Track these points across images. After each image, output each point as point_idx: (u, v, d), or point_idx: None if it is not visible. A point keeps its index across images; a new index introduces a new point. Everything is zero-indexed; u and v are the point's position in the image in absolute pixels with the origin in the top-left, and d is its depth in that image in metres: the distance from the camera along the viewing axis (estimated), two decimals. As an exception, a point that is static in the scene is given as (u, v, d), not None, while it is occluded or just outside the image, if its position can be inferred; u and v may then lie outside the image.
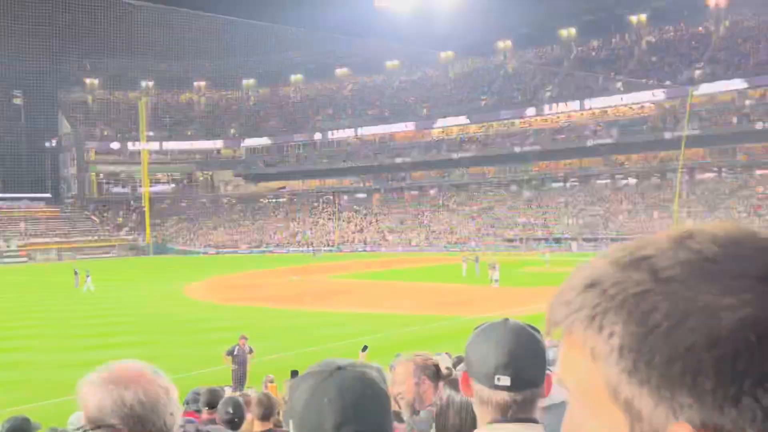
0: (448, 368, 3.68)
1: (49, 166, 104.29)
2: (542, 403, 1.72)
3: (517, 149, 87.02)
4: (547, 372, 1.72)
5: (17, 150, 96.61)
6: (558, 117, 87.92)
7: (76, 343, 23.50)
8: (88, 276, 42.50)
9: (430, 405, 3.34)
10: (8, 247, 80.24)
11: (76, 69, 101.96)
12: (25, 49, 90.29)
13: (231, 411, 6.01)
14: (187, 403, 7.81)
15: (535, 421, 1.69)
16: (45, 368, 19.62)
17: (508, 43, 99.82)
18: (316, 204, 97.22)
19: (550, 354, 1.73)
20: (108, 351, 20.78)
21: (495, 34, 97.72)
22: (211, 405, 7.03)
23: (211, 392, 7.64)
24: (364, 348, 9.86)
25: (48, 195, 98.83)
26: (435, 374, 3.46)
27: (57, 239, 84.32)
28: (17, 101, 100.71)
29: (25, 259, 78.03)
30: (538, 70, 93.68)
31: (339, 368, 1.30)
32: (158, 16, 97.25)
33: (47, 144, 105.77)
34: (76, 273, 44.46)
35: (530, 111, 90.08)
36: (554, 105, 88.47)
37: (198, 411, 7.33)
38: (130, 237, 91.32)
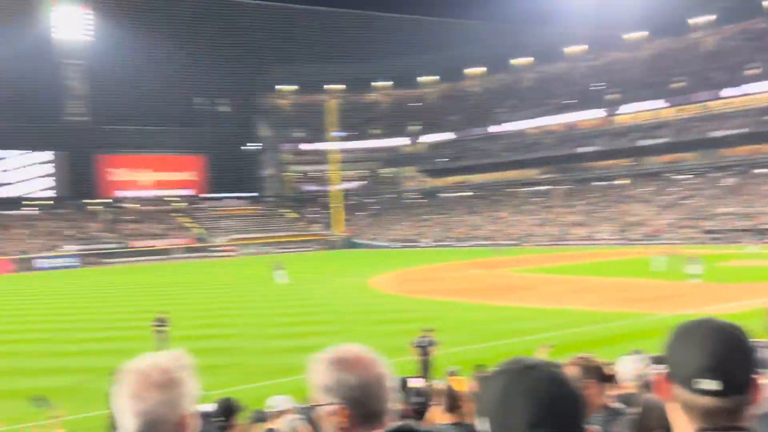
0: (614, 370, 3.48)
1: (251, 167, 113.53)
2: (752, 410, 1.56)
3: (716, 133, 79.95)
4: (757, 376, 1.55)
5: (224, 154, 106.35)
6: (766, 96, 79.47)
7: (276, 332, 25.33)
8: (282, 269, 45.60)
9: (600, 408, 3.18)
10: (218, 242, 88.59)
11: (272, 77, 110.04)
12: (229, 61, 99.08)
13: (417, 400, 6.15)
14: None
15: (748, 430, 1.54)
16: (249, 354, 21.34)
17: (707, 18, 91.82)
18: (497, 197, 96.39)
19: (762, 355, 1.54)
20: (303, 340, 22.16)
21: (691, 10, 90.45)
22: (403, 389, 7.23)
23: (402, 381, 7.86)
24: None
25: (251, 194, 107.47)
26: (601, 376, 3.28)
27: (259, 234, 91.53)
28: (224, 109, 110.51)
29: (232, 253, 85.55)
30: (741, 47, 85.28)
31: (529, 367, 1.28)
32: (344, 21, 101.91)
33: (249, 147, 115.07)
34: (274, 267, 47.53)
35: (732, 91, 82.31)
36: (761, 83, 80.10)
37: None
38: (322, 232, 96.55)
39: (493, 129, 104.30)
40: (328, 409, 1.68)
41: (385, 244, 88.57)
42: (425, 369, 16.57)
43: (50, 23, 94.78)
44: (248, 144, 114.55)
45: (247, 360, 20.39)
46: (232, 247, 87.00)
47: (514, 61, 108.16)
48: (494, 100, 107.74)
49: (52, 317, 33.04)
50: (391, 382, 1.73)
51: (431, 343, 17.11)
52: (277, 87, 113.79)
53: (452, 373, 12.09)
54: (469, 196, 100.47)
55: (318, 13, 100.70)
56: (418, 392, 6.42)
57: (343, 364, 1.71)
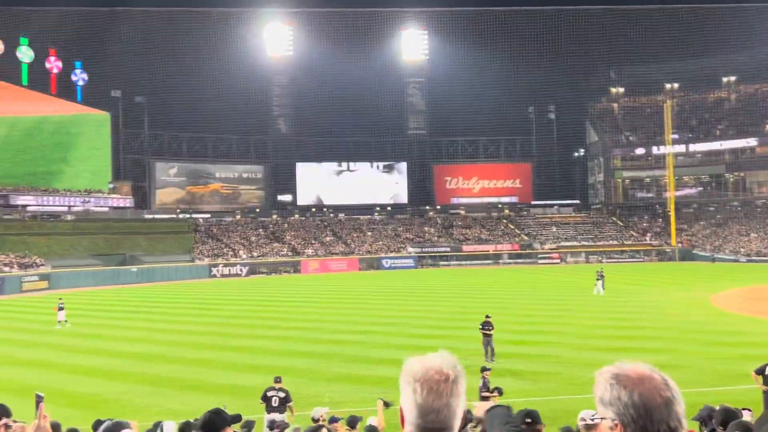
0: None
1: (577, 174, 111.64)
2: None
3: None
4: None
5: (550, 161, 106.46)
6: None
7: (600, 344, 24.52)
8: (600, 279, 43.52)
9: None
10: (543, 248, 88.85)
11: (602, 80, 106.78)
12: (558, 67, 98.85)
13: (740, 437, 5.55)
14: (701, 421, 7.46)
15: None
16: (570, 364, 21.00)
17: None
18: None
19: None
20: (627, 354, 21.03)
21: None
22: (725, 425, 6.59)
23: (726, 412, 7.16)
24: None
25: (576, 201, 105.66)
26: None
27: (584, 243, 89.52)
28: (551, 116, 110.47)
29: (557, 260, 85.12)
30: None
31: None
32: (680, 17, 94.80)
33: (576, 154, 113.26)
34: (596, 277, 45.32)
35: None
36: None
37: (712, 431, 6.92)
38: (655, 242, 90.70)
39: None
40: (606, 424, 1.70)
41: (731, 257, 79.78)
42: (771, 402, 14.58)
43: (399, 46, 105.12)
44: (578, 150, 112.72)
45: (567, 370, 20.16)
46: (558, 255, 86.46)
47: None
48: None
49: (394, 312, 36.66)
50: (677, 408, 1.66)
51: (780, 373, 14.98)
52: (611, 89, 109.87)
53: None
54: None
55: (649, 11, 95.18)
56: (745, 427, 5.76)
57: (624, 380, 1.69)
